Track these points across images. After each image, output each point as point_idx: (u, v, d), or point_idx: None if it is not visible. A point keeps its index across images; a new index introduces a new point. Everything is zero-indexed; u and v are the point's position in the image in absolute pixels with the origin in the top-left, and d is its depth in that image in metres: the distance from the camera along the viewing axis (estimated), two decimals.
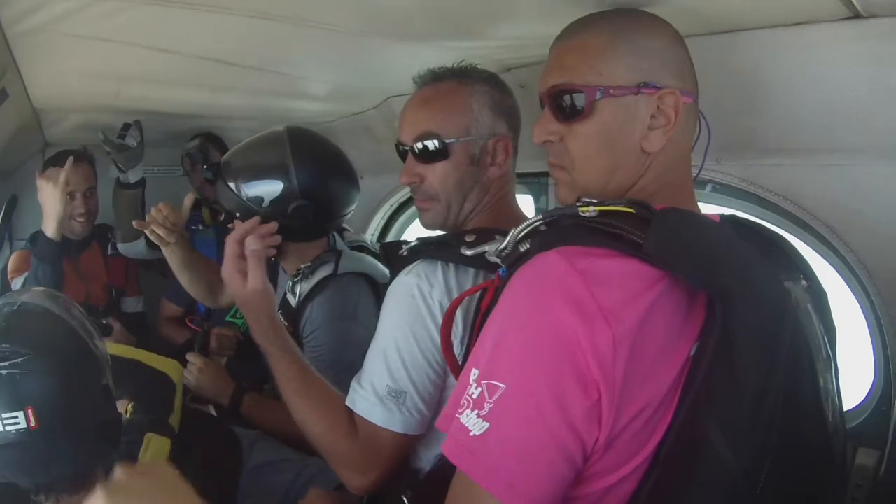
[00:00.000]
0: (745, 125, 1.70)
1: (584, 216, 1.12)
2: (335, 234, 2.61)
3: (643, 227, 1.07)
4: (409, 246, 1.68)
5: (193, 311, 3.63)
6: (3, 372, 1.42)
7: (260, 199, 2.35)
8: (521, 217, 1.74)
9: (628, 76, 1.24)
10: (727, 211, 1.51)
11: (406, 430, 1.60)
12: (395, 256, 1.70)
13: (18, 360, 1.43)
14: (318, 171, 2.38)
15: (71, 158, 3.20)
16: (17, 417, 1.40)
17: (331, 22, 1.94)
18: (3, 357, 1.43)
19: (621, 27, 1.27)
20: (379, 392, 1.60)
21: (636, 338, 1.01)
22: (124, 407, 1.83)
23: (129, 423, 1.80)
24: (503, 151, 1.75)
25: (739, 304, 1.02)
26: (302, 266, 2.44)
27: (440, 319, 1.52)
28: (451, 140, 1.72)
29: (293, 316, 2.40)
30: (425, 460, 1.66)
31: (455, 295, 1.54)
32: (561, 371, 1.00)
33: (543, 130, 1.33)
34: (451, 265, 1.58)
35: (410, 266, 1.62)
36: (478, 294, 1.37)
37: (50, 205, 3.04)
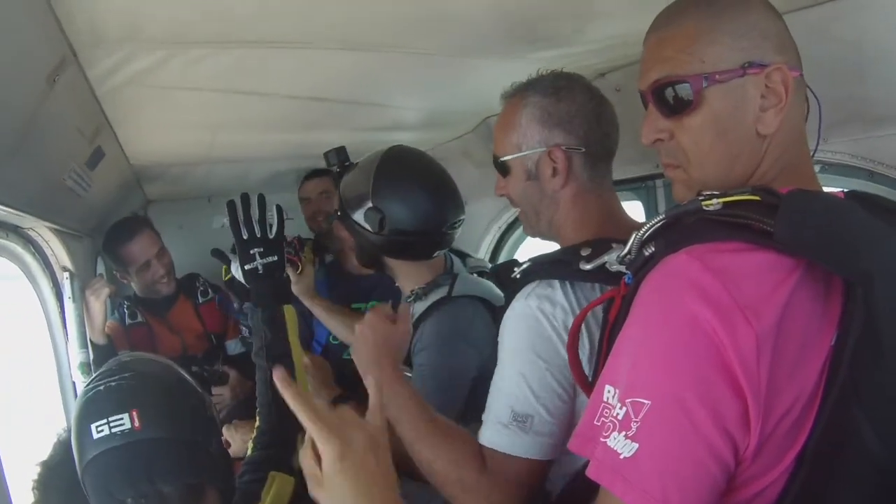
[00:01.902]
0: (852, 97, 1.61)
1: (708, 210, 1.06)
2: (454, 257, 2.54)
3: (772, 215, 1.00)
4: (521, 268, 1.63)
5: (308, 346, 3.56)
6: (112, 383, 1.51)
7: (351, 210, 2.31)
8: (631, 223, 1.71)
9: (731, 58, 1.17)
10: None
11: (535, 454, 1.52)
12: (508, 278, 1.68)
13: (126, 374, 1.53)
14: (395, 182, 2.28)
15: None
16: (122, 419, 1.46)
17: (415, 46, 1.93)
18: (111, 374, 1.53)
19: (714, 7, 1.20)
20: (502, 419, 1.54)
21: (778, 333, 0.96)
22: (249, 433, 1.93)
23: (251, 459, 1.83)
24: (561, 161, 1.67)
25: (881, 287, 0.94)
26: (416, 288, 2.39)
27: (566, 338, 1.46)
28: (507, 157, 1.72)
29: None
30: (554, 481, 1.59)
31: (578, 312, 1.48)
32: (707, 376, 0.96)
33: (651, 129, 1.28)
34: (569, 283, 1.53)
35: (528, 289, 1.57)
36: (602, 305, 1.30)
37: (94, 315, 3.05)
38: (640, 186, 2.71)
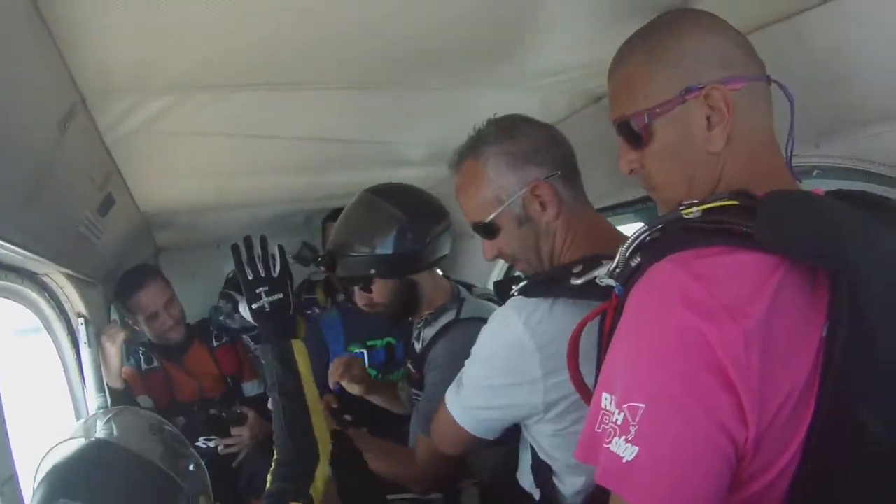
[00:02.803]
0: (838, 102, 1.62)
1: (689, 218, 1.10)
2: (460, 286, 2.61)
3: (751, 217, 1.04)
4: (518, 286, 1.66)
5: (325, 384, 3.56)
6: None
7: (382, 247, 2.37)
8: (621, 238, 1.70)
9: (670, 88, 1.25)
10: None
11: (452, 411, 1.80)
12: (507, 296, 1.69)
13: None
14: (403, 196, 2.43)
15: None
16: None
17: (417, 82, 1.96)
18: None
19: (652, 42, 1.29)
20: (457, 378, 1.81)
21: (766, 329, 0.98)
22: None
23: (270, 492, 1.84)
24: (547, 193, 1.69)
25: (864, 273, 0.97)
26: (426, 314, 2.48)
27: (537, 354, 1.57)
28: (490, 217, 1.72)
29: (418, 362, 2.44)
30: (570, 498, 1.67)
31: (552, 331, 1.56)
32: (697, 375, 0.98)
33: (624, 161, 1.37)
34: (558, 301, 1.57)
35: (518, 304, 1.62)
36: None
37: (110, 359, 3.08)
38: (642, 208, 2.71)
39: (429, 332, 2.44)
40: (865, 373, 0.98)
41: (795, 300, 1.02)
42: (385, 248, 2.34)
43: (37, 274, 2.54)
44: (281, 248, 2.09)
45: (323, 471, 1.96)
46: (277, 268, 2.06)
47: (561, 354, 1.43)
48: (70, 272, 2.66)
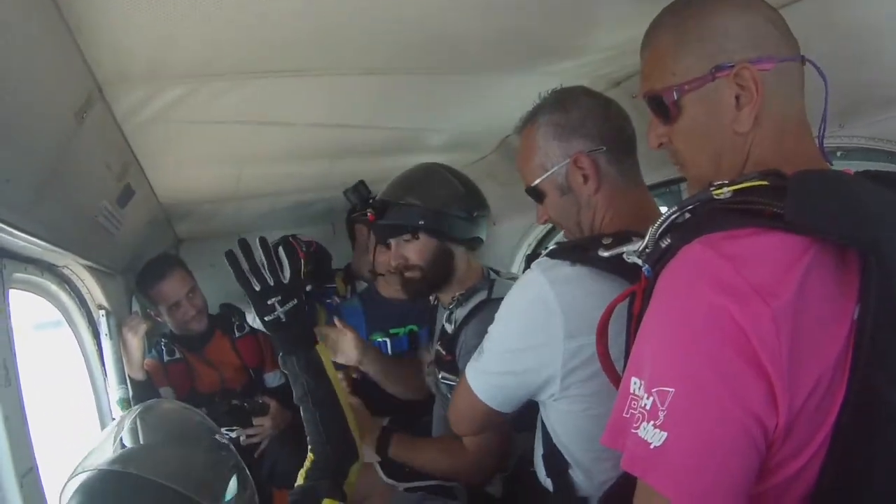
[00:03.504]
0: (862, 82, 1.61)
1: (719, 198, 1.09)
2: (490, 270, 2.62)
3: (781, 197, 1.03)
4: (546, 251, 1.67)
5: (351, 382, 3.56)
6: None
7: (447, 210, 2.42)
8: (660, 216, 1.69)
9: (700, 66, 1.24)
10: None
11: (471, 382, 1.79)
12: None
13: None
14: (460, 175, 2.53)
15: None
16: None
17: (434, 67, 1.96)
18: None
19: (684, 16, 1.28)
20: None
21: (795, 311, 0.97)
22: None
23: (302, 489, 1.85)
24: (589, 166, 1.71)
25: (893, 253, 0.97)
26: (457, 294, 2.49)
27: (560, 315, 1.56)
28: (536, 182, 1.77)
29: (450, 343, 2.43)
30: (591, 487, 1.66)
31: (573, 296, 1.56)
32: (728, 358, 0.97)
33: (653, 135, 1.37)
34: (585, 268, 1.57)
35: (543, 264, 1.63)
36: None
37: (132, 351, 3.10)
38: (665, 191, 2.72)
39: (461, 313, 2.44)
40: (893, 353, 0.98)
41: (825, 282, 1.01)
42: (437, 204, 2.38)
43: (56, 266, 2.54)
44: (285, 241, 2.02)
45: (358, 465, 1.97)
46: (286, 273, 1.91)
47: (583, 318, 1.45)
48: (90, 264, 2.66)
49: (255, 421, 3.41)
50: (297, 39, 1.61)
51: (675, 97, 1.27)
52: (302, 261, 2.43)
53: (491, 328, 1.77)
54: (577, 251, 1.59)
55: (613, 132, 1.73)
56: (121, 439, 1.51)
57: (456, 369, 2.37)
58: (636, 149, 1.77)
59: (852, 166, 1.81)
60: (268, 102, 2.05)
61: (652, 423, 1.01)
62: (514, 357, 1.67)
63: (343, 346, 2.73)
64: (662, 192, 2.73)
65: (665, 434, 0.99)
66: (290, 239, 2.91)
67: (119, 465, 1.42)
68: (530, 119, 1.78)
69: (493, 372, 1.75)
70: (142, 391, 3.06)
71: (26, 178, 1.55)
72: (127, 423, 1.56)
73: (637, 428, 1.03)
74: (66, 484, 1.44)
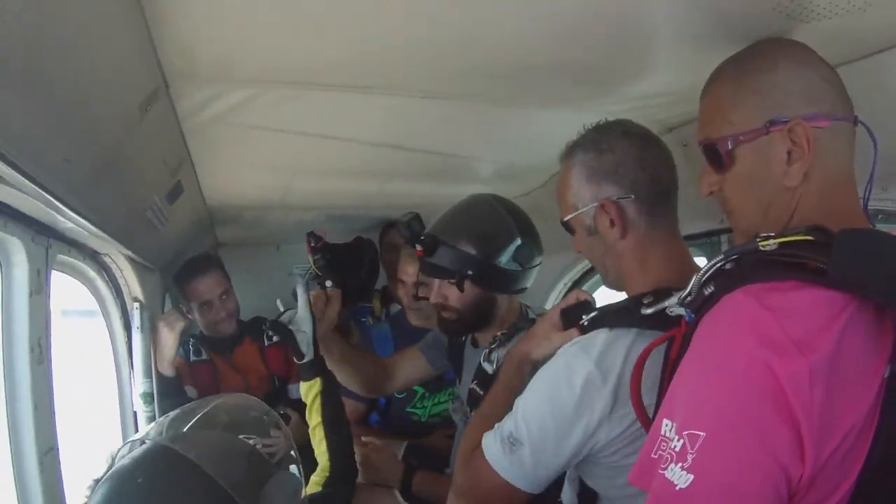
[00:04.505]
0: None
1: (765, 250, 1.11)
2: (527, 307, 2.59)
3: (825, 253, 1.05)
4: (590, 316, 1.67)
5: (375, 406, 3.55)
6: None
7: (493, 257, 2.36)
8: (695, 268, 1.69)
9: (755, 117, 1.26)
10: None
11: (507, 476, 1.64)
12: (575, 324, 1.73)
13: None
14: (524, 219, 2.45)
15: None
16: None
17: (493, 96, 1.97)
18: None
19: (745, 68, 1.31)
20: (503, 434, 1.66)
21: (831, 366, 0.99)
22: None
23: (315, 497, 1.95)
24: (615, 213, 1.68)
25: None
26: (498, 333, 2.42)
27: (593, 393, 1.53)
28: (567, 218, 1.77)
29: (488, 383, 2.34)
30: None
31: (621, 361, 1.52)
32: (761, 408, 0.99)
33: (705, 182, 1.39)
34: (630, 332, 1.54)
35: (589, 338, 1.60)
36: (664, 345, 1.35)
37: (164, 346, 3.12)
38: (706, 242, 2.71)
39: (501, 353, 2.35)
40: None
41: (862, 338, 1.02)
42: (491, 256, 2.32)
43: (99, 253, 2.58)
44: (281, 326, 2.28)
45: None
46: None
47: (626, 386, 1.42)
48: (131, 255, 2.69)
49: (273, 432, 3.39)
50: (364, 57, 1.62)
51: (730, 147, 1.29)
52: (311, 258, 2.54)
53: (524, 408, 1.67)
54: (622, 315, 1.58)
55: (647, 180, 1.69)
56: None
57: None
58: (674, 198, 1.74)
59: (894, 230, 1.80)
60: (327, 116, 2.06)
61: (680, 465, 1.02)
62: (559, 442, 1.60)
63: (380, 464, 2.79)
64: (703, 242, 2.72)
65: (692, 477, 1.00)
66: (308, 235, 2.94)
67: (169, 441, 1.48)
68: (568, 154, 1.77)
69: (540, 464, 1.65)
70: (169, 387, 3.08)
71: (85, 162, 1.57)
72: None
73: (665, 469, 1.04)
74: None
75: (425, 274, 2.49)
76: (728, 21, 1.42)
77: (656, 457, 1.07)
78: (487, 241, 2.32)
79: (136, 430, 2.92)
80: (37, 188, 1.36)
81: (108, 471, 1.45)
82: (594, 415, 1.53)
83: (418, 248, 2.39)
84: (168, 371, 3.11)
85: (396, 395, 3.31)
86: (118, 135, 1.68)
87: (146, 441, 1.49)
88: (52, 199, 1.47)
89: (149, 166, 2.09)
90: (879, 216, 1.77)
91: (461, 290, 2.34)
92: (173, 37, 1.44)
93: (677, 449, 1.03)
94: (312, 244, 2.60)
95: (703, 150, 1.35)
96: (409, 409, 3.42)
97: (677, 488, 1.01)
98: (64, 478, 1.87)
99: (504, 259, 2.33)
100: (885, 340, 1.03)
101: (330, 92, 1.84)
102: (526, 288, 2.44)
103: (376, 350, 3.41)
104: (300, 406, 3.54)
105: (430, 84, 1.84)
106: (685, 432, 1.03)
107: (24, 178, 1.28)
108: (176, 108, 1.89)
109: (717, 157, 1.32)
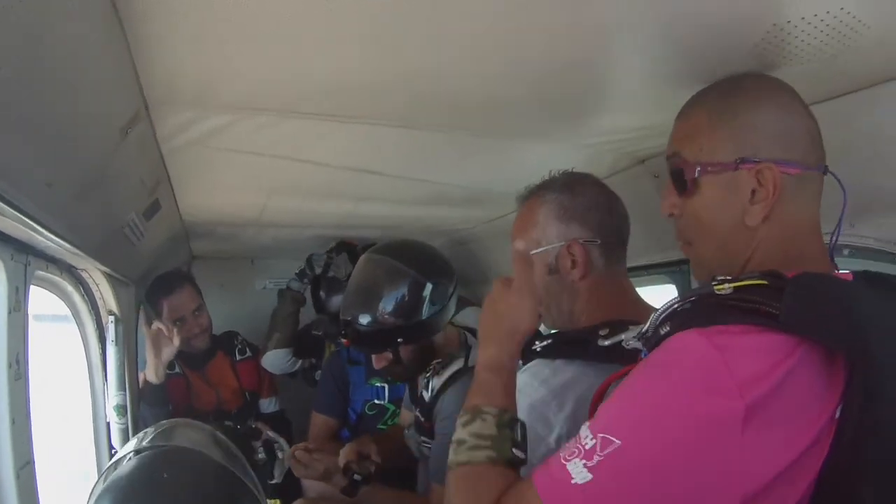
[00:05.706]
0: (875, 184, 1.65)
1: (720, 294, 1.12)
2: (468, 333, 2.63)
3: (778, 298, 1.06)
4: (542, 343, 1.66)
5: (346, 422, 3.57)
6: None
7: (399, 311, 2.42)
8: (645, 306, 1.75)
9: (728, 152, 1.26)
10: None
11: None
12: (528, 350, 1.67)
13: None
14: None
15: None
16: None
17: (468, 127, 1.99)
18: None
19: (729, 102, 1.30)
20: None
21: (770, 407, 1.00)
22: None
23: None
24: (580, 254, 1.71)
25: (882, 363, 1.00)
26: (434, 362, 2.49)
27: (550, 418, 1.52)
28: (533, 253, 1.73)
29: (428, 411, 2.44)
30: None
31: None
32: (683, 439, 1.00)
33: (666, 203, 1.38)
34: (585, 364, 1.56)
35: (534, 368, 1.62)
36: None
37: (160, 357, 3.18)
38: (676, 270, 2.75)
39: (437, 382, 2.43)
40: (871, 456, 1.01)
41: (810, 381, 1.04)
42: (412, 316, 2.40)
43: (76, 268, 2.59)
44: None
45: None
46: None
47: (580, 416, 1.42)
48: (108, 270, 2.71)
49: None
50: (344, 87, 1.65)
51: (696, 174, 1.29)
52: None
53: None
54: (576, 346, 1.59)
55: (612, 228, 1.76)
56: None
57: (433, 435, 2.41)
58: (626, 245, 1.81)
59: (859, 265, 1.84)
60: (305, 141, 2.09)
61: (584, 461, 1.04)
62: None
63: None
64: (673, 271, 2.76)
65: (590, 477, 1.02)
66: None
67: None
68: (536, 192, 1.80)
69: None
70: (153, 396, 3.17)
71: (66, 185, 1.59)
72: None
73: (568, 460, 1.06)
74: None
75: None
76: (704, 62, 1.44)
77: (565, 451, 1.09)
78: (403, 306, 2.40)
79: (109, 442, 2.93)
80: (18, 213, 1.39)
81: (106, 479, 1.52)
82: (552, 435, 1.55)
83: (344, 340, 2.48)
84: (155, 379, 3.17)
85: (367, 412, 3.33)
86: (99, 158, 1.70)
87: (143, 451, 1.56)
88: (32, 223, 1.49)
89: (128, 186, 2.11)
90: (845, 251, 1.81)
91: (399, 357, 2.43)
92: (155, 63, 1.46)
93: (587, 446, 1.05)
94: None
95: (669, 168, 1.36)
96: (379, 426, 3.42)
97: (572, 482, 1.03)
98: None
99: (425, 311, 2.41)
100: (836, 382, 1.04)
101: (307, 120, 1.86)
102: (454, 314, 2.52)
103: (347, 370, 3.41)
104: (271, 420, 3.59)
105: (405, 115, 1.87)
106: (600, 434, 1.05)
107: (5, 205, 1.30)
108: (156, 131, 1.91)
109: (681, 181, 1.32)
